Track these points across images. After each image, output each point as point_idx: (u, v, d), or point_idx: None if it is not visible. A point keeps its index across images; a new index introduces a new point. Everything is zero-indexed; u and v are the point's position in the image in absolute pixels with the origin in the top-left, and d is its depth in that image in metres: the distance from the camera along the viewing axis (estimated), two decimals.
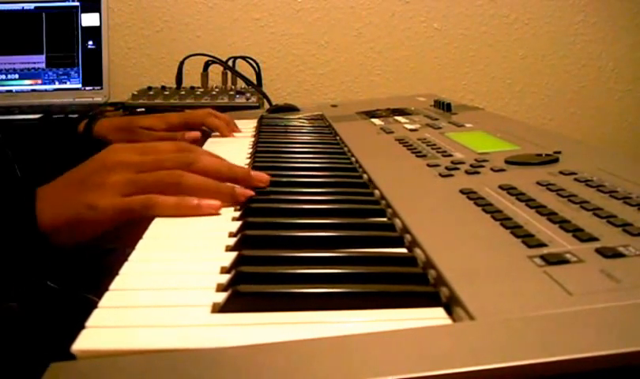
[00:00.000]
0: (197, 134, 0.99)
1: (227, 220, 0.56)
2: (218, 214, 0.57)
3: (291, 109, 1.26)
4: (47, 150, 0.92)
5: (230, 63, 1.63)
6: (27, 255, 0.56)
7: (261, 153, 0.82)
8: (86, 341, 0.34)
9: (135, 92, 1.48)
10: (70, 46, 1.62)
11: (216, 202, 0.58)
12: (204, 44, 1.78)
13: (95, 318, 0.37)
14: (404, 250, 0.48)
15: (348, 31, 1.85)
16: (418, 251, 0.45)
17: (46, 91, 1.61)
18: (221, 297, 0.39)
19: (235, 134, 1.02)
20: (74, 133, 0.95)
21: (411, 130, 0.90)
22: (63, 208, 0.58)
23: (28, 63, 1.61)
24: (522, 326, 0.32)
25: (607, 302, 0.34)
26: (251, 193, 0.60)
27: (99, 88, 1.61)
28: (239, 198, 0.60)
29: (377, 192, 0.61)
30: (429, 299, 0.39)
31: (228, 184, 0.61)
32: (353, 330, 0.34)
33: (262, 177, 0.63)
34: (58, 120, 1.03)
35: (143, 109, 1.40)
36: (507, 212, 0.50)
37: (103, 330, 0.36)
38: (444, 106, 1.07)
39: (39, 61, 1.61)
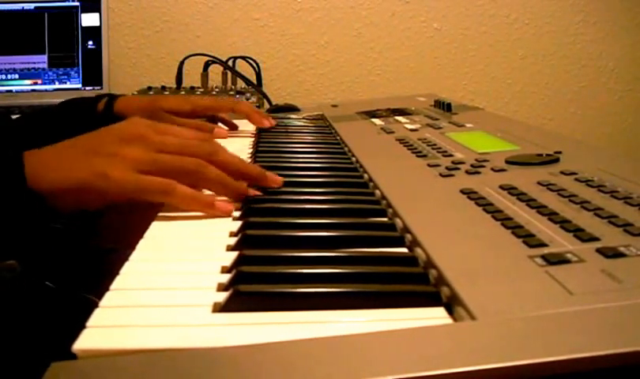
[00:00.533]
0: (225, 133, 0.97)
1: (227, 220, 0.56)
2: (229, 217, 0.57)
3: (291, 109, 1.26)
4: (65, 130, 0.90)
5: (230, 63, 1.63)
6: (20, 216, 0.54)
7: (261, 153, 0.82)
8: (87, 340, 0.34)
9: (135, 92, 1.48)
10: (70, 46, 1.62)
11: (230, 206, 0.57)
12: (204, 44, 1.78)
13: (96, 318, 0.37)
14: (404, 250, 0.48)
15: (348, 31, 1.85)
16: (419, 251, 0.45)
17: (46, 91, 1.61)
18: (222, 296, 0.39)
19: (266, 123, 1.00)
20: (93, 112, 0.93)
21: (411, 130, 0.90)
22: (71, 171, 0.55)
23: (30, 63, 1.61)
24: (523, 326, 0.32)
25: (608, 301, 0.34)
26: (259, 194, 0.60)
27: (99, 88, 1.61)
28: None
29: (377, 192, 0.61)
30: (430, 299, 0.39)
31: (243, 183, 0.60)
32: (354, 330, 0.34)
33: (276, 178, 0.62)
34: (75, 100, 1.00)
35: None
36: (508, 211, 0.50)
37: (104, 330, 0.36)
38: (444, 106, 1.07)
39: (41, 61, 1.61)
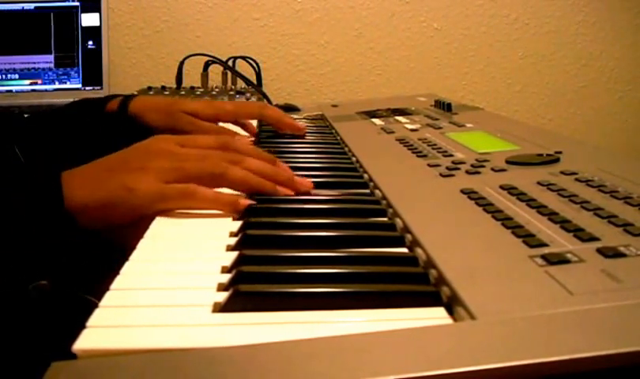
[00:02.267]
0: (248, 141, 0.90)
1: (228, 220, 0.56)
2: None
3: (291, 109, 1.26)
4: (74, 132, 0.89)
5: (230, 63, 1.63)
6: (54, 235, 0.55)
7: None
8: (87, 340, 0.34)
9: (135, 92, 1.48)
10: (70, 46, 1.62)
11: (252, 202, 0.57)
12: (204, 44, 1.78)
13: (96, 318, 0.37)
14: (405, 250, 0.48)
15: (348, 31, 1.85)
16: (419, 251, 0.45)
17: (46, 91, 1.61)
18: (222, 296, 0.39)
19: (296, 129, 0.93)
20: (101, 113, 0.90)
21: (411, 130, 0.90)
22: (100, 189, 0.57)
23: (36, 63, 1.61)
24: (523, 326, 0.32)
25: (608, 301, 0.34)
26: (291, 193, 0.60)
27: (99, 88, 1.61)
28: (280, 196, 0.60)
29: (378, 192, 0.61)
30: (430, 299, 0.39)
31: (270, 184, 0.60)
32: (354, 330, 0.34)
33: (305, 183, 0.62)
34: (83, 101, 0.97)
35: None
36: (508, 211, 0.50)
37: (105, 329, 0.36)
38: (444, 106, 1.07)
39: (47, 61, 1.61)
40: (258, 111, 0.95)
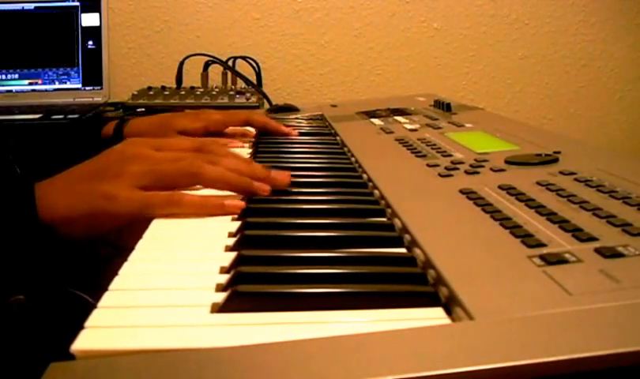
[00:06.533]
0: (239, 146, 0.91)
1: (226, 220, 0.56)
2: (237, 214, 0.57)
3: (291, 109, 1.26)
4: (70, 155, 0.90)
5: (230, 63, 1.63)
6: (30, 249, 0.55)
7: (261, 154, 0.82)
8: (85, 341, 0.34)
9: (135, 92, 1.48)
10: (70, 46, 1.62)
11: (240, 202, 0.57)
12: (204, 44, 1.78)
13: (94, 318, 0.37)
14: (403, 250, 0.48)
15: (348, 31, 1.85)
16: (417, 251, 0.45)
17: (46, 91, 1.61)
18: (220, 297, 0.39)
19: (285, 130, 0.96)
20: (97, 138, 0.92)
21: (411, 130, 0.90)
22: (79, 200, 0.56)
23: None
24: (521, 326, 0.32)
25: (606, 301, 0.34)
26: (268, 188, 0.60)
27: (99, 88, 1.61)
28: (258, 192, 0.60)
29: (376, 192, 0.61)
30: (428, 299, 0.39)
31: (247, 179, 0.60)
32: (353, 330, 0.34)
33: (282, 178, 0.62)
34: (80, 122, 0.98)
35: (143, 109, 1.40)
36: (507, 211, 0.50)
37: (103, 330, 0.36)
38: (444, 106, 1.07)
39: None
40: (245, 118, 0.98)
